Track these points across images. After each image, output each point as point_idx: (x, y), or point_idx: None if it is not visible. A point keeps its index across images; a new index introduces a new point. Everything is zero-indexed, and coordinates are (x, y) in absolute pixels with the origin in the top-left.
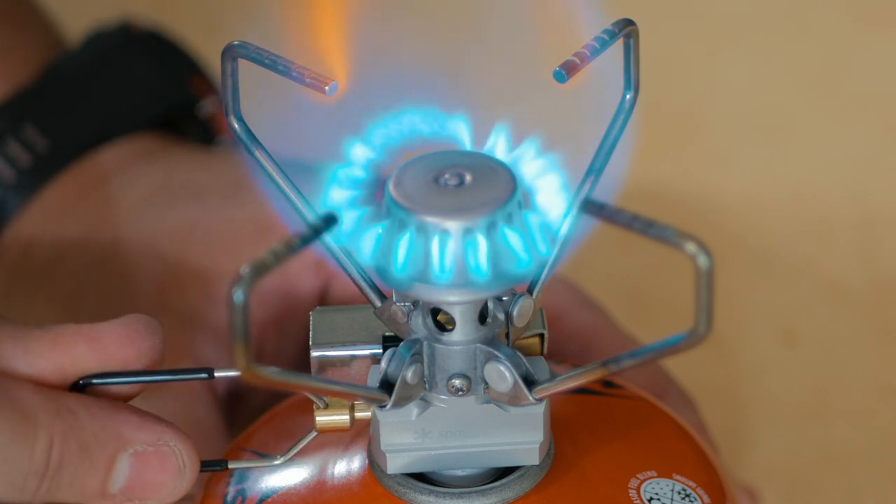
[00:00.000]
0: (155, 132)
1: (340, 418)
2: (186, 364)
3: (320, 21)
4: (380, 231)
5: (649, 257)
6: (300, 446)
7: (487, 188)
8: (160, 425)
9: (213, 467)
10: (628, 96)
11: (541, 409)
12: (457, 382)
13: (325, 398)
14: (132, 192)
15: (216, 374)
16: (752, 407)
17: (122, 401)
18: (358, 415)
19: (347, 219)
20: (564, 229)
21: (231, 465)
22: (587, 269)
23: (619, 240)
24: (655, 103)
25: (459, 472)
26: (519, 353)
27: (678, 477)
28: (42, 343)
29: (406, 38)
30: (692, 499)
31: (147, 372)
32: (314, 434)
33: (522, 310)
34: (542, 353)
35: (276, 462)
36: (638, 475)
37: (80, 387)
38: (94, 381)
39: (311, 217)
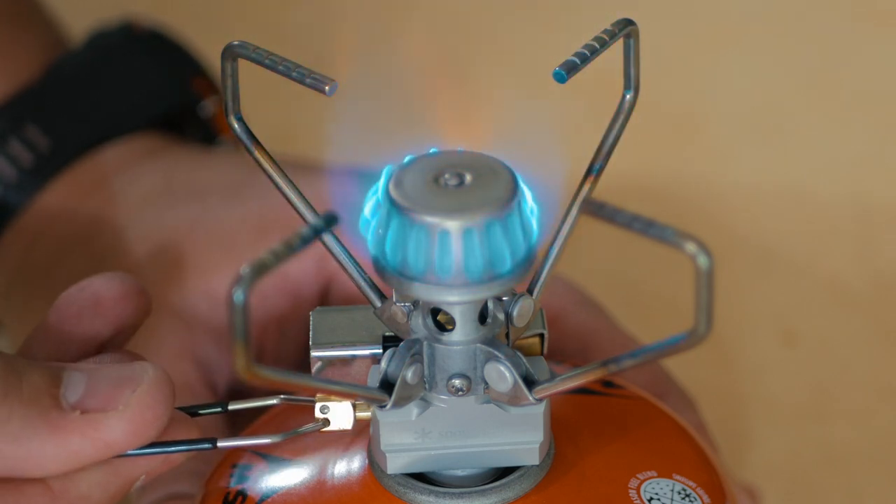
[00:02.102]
0: (156, 132)
1: (343, 428)
2: (187, 364)
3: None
4: (380, 231)
5: (650, 257)
6: (299, 432)
7: (487, 188)
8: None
9: (202, 446)
10: (628, 96)
11: (541, 409)
12: (457, 382)
13: (325, 418)
14: (133, 191)
15: (219, 445)
16: (752, 407)
17: None
18: (358, 415)
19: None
20: (564, 229)
21: (220, 444)
22: (588, 268)
23: (619, 239)
24: (655, 103)
25: (459, 472)
26: (519, 353)
27: (678, 477)
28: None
29: (409, 39)
30: (692, 499)
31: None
32: (318, 425)
33: (522, 310)
34: (542, 353)
35: (268, 441)
36: (638, 475)
37: None
38: None
39: (311, 217)
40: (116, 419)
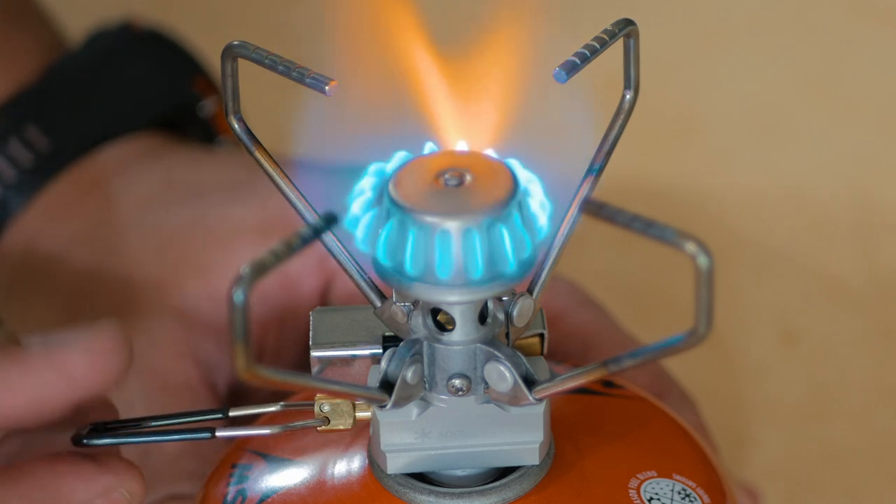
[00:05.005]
0: (156, 132)
1: (342, 428)
2: (187, 363)
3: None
4: (380, 231)
5: (650, 256)
6: (298, 425)
7: (487, 188)
8: (105, 476)
9: (200, 435)
10: (628, 96)
11: (541, 409)
12: (457, 382)
13: (325, 416)
14: (133, 190)
15: (217, 434)
16: (752, 407)
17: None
18: (358, 415)
19: (360, 225)
20: (564, 229)
21: (219, 434)
22: (588, 268)
23: (619, 239)
24: (655, 103)
25: (459, 472)
26: (519, 353)
27: (678, 477)
28: (11, 375)
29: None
30: (692, 499)
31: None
32: (317, 421)
33: (522, 310)
34: (542, 353)
35: (267, 432)
36: (638, 475)
37: (80, 438)
38: (96, 441)
39: (311, 217)
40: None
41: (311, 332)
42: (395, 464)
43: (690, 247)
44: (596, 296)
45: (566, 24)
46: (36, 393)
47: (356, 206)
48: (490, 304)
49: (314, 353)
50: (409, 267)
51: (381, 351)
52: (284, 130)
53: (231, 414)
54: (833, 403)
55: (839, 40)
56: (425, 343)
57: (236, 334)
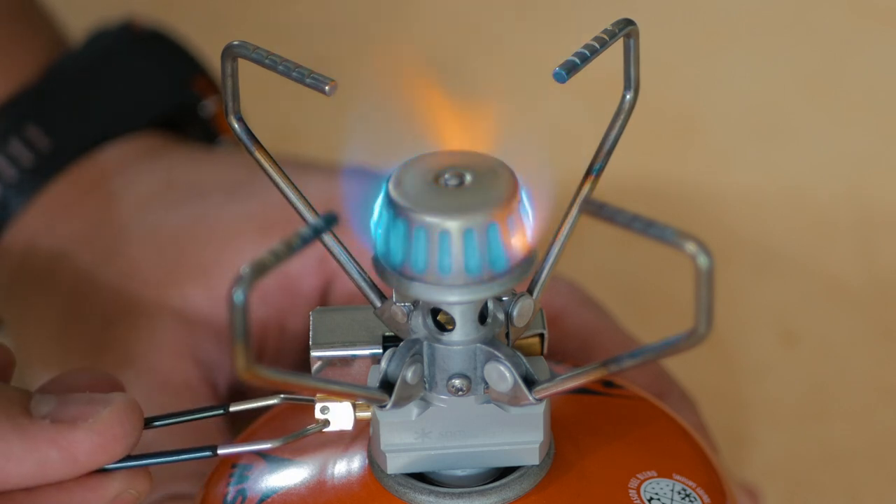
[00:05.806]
0: (156, 132)
1: (343, 428)
2: (187, 363)
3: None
4: (380, 231)
5: (650, 256)
6: (299, 435)
7: (487, 188)
8: (113, 481)
9: (202, 454)
10: (628, 96)
11: (541, 409)
12: (457, 382)
13: (325, 420)
14: (134, 190)
15: (219, 452)
16: (752, 407)
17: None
18: (358, 415)
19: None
20: (564, 229)
21: (220, 451)
22: (588, 268)
23: (619, 238)
24: (655, 103)
25: (459, 472)
26: (519, 353)
27: (678, 477)
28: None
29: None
30: (692, 499)
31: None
32: (318, 427)
33: (522, 310)
34: (542, 353)
35: (268, 446)
36: (638, 475)
37: None
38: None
39: (311, 217)
40: (85, 431)
41: (311, 332)
42: (395, 464)
43: (690, 247)
44: (596, 296)
45: (566, 24)
46: (37, 468)
47: (377, 214)
48: (490, 304)
49: (314, 353)
50: (410, 267)
51: (381, 351)
52: (284, 130)
53: (231, 409)
54: (833, 403)
55: (839, 40)
56: (425, 343)
57: (236, 334)
